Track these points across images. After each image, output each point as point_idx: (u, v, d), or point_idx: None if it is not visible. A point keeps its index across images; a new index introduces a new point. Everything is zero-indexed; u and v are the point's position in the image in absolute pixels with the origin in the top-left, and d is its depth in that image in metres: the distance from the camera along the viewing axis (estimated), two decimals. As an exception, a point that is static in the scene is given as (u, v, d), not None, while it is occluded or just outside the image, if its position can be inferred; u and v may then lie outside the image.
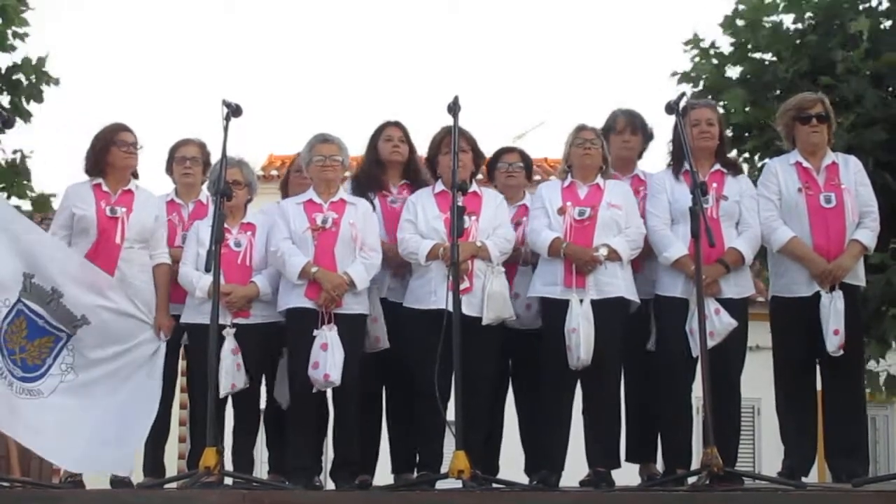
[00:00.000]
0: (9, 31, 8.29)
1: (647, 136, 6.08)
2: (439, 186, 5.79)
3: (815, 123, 5.64)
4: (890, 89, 7.77)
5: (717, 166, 5.72)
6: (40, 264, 5.49)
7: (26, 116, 8.37)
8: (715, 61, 8.39)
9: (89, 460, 5.49)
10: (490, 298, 5.45)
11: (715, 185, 5.59)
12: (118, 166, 5.73)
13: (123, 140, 5.73)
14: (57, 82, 8.43)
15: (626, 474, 5.67)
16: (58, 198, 7.83)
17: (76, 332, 5.52)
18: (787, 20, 8.25)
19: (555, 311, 5.47)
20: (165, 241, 5.84)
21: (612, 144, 5.92)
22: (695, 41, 8.40)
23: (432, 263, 5.56)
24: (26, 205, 8.56)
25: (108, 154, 5.72)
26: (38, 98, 8.41)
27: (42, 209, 8.58)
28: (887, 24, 7.89)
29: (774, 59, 8.22)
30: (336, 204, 5.70)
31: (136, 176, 5.84)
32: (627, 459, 5.86)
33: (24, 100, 8.36)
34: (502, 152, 6.17)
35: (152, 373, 5.61)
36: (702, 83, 8.39)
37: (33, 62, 8.32)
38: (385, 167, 6.05)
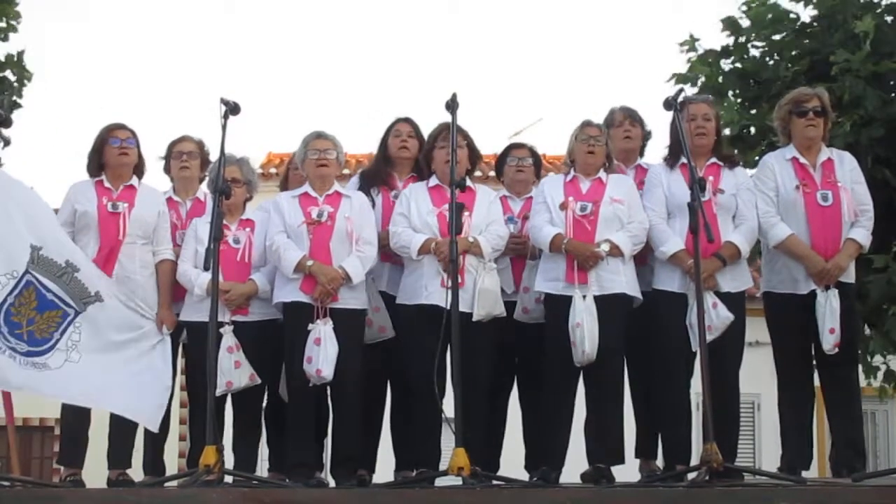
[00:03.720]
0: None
1: (646, 131, 6.11)
2: (433, 181, 5.79)
3: (811, 117, 5.63)
4: (892, 83, 7.74)
5: (714, 159, 5.71)
6: (51, 238, 5.49)
7: (9, 111, 8.35)
8: (710, 60, 8.39)
9: (114, 401, 5.49)
10: (481, 295, 5.46)
11: (711, 178, 5.57)
12: (113, 164, 5.76)
13: (116, 138, 5.75)
14: (30, 78, 8.41)
15: (627, 471, 5.67)
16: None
17: (86, 308, 5.51)
18: (793, 10, 8.24)
19: (557, 307, 5.46)
20: (169, 237, 5.85)
21: (613, 138, 5.92)
22: (690, 42, 8.39)
23: (424, 258, 5.56)
24: None
25: (103, 154, 5.76)
26: (19, 93, 8.41)
27: None
28: (889, 18, 7.87)
29: (775, 53, 8.21)
30: (331, 197, 5.70)
31: (140, 175, 5.85)
32: (636, 455, 5.87)
33: (10, 97, 8.35)
34: (512, 147, 6.20)
35: (159, 359, 5.60)
36: (699, 83, 8.39)
37: (15, 58, 8.33)
38: (394, 163, 6.07)
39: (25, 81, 8.41)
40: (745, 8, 8.32)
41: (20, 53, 8.36)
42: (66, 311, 5.48)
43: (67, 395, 5.51)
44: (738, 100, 8.32)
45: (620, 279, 5.51)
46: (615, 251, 5.50)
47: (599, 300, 5.41)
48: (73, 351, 5.48)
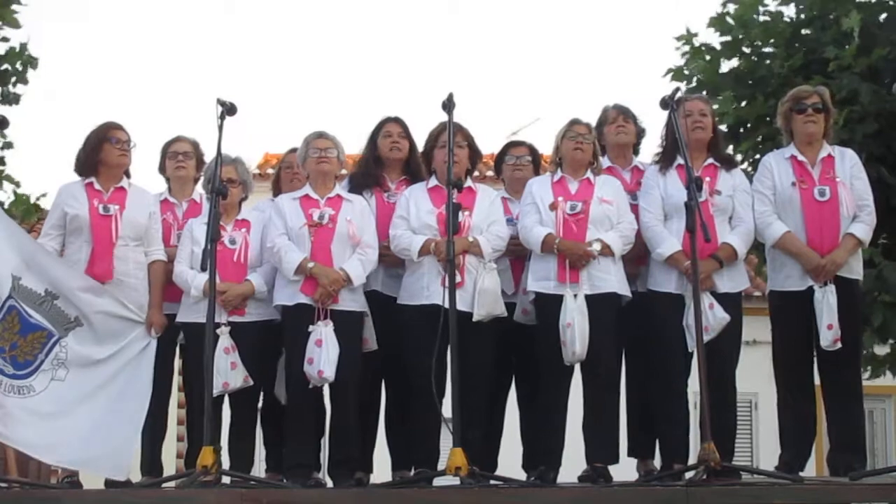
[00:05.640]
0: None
1: (640, 129, 6.09)
2: (433, 181, 5.79)
3: (810, 113, 5.64)
4: (887, 81, 7.75)
5: (711, 160, 5.72)
6: (31, 266, 5.48)
7: (13, 100, 8.32)
8: (708, 57, 8.39)
9: (83, 459, 5.48)
10: (481, 295, 5.45)
11: (708, 179, 5.58)
12: (111, 164, 5.72)
13: (117, 137, 5.72)
14: (35, 64, 8.37)
15: (624, 470, 5.67)
16: (47, 199, 7.81)
17: (68, 334, 5.51)
18: (786, 12, 8.25)
19: (549, 306, 5.46)
20: (160, 238, 5.83)
21: (607, 135, 5.92)
22: (687, 37, 8.39)
23: (424, 259, 5.55)
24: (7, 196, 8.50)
25: (101, 152, 5.71)
26: (23, 80, 8.37)
27: (28, 215, 8.48)
28: (882, 16, 7.89)
29: (769, 51, 8.22)
30: (332, 200, 5.70)
31: (128, 175, 5.83)
32: (629, 454, 5.87)
33: (11, 85, 8.32)
34: (510, 146, 6.21)
35: (141, 370, 5.59)
36: (695, 80, 8.39)
37: (17, 50, 8.29)
38: (384, 164, 6.05)
39: (30, 68, 8.37)
40: (730, 8, 8.32)
41: (23, 45, 8.33)
42: (52, 332, 5.49)
43: (33, 446, 5.49)
44: (733, 94, 8.31)
45: (611, 278, 5.52)
46: (606, 251, 5.50)
47: (591, 299, 5.41)
48: (61, 368, 5.49)
